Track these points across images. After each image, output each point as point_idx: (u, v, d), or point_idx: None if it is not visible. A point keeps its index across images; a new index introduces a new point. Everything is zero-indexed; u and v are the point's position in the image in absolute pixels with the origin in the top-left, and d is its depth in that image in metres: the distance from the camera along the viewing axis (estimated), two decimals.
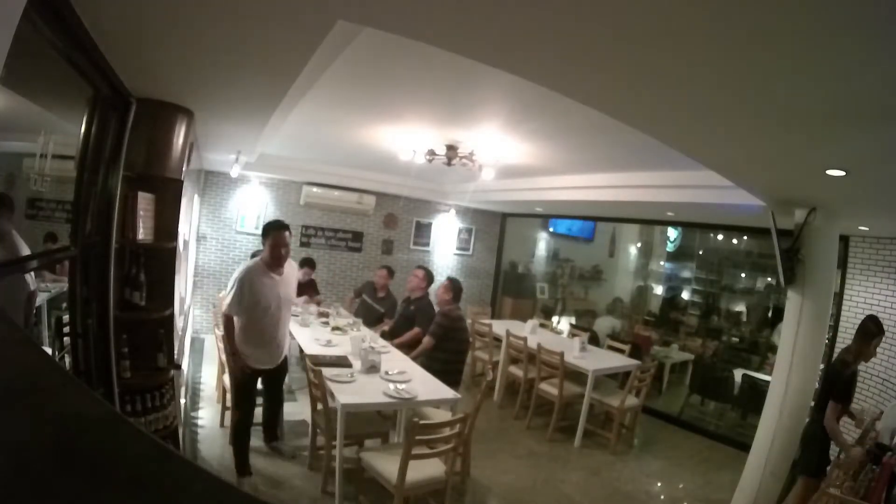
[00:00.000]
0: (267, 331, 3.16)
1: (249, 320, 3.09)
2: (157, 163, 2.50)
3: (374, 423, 3.40)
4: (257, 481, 3.17)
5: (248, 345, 3.13)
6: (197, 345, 5.95)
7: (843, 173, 2.20)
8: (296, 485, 3.18)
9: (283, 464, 3.42)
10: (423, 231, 7.73)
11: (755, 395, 4.78)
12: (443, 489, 2.81)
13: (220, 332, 4.02)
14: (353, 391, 3.08)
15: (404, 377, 3.38)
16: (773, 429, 3.11)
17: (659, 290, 7.86)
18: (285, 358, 3.41)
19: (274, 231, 3.18)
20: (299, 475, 3.30)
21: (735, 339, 6.49)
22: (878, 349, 3.19)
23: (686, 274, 7.63)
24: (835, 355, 3.41)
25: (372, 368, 3.45)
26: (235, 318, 3.09)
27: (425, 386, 3.31)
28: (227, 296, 3.12)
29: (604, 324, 6.92)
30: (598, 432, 4.47)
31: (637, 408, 4.59)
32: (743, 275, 6.91)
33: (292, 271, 3.45)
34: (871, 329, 3.01)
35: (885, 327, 3.20)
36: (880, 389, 3.84)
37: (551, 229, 8.82)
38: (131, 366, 2.32)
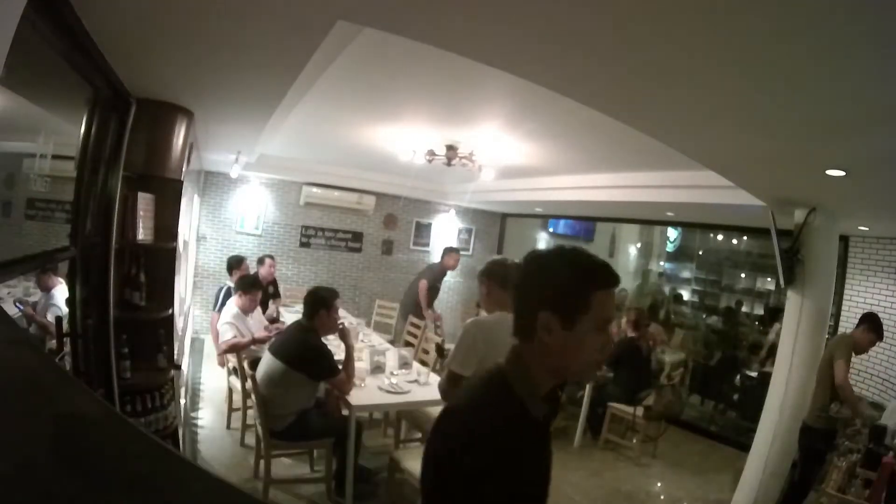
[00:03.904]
0: None
1: None
2: (157, 163, 2.50)
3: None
4: (258, 485, 3.16)
5: None
6: (197, 345, 5.95)
7: (843, 173, 2.20)
8: (299, 490, 3.17)
9: (285, 464, 3.42)
10: (423, 231, 7.73)
11: (755, 394, 4.77)
12: None
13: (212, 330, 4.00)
14: (362, 393, 3.07)
15: (409, 377, 3.38)
16: (773, 429, 3.11)
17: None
18: None
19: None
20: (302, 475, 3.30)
21: (735, 339, 6.48)
22: (878, 348, 3.21)
23: (686, 274, 7.63)
24: None
25: (377, 369, 3.45)
26: None
27: (429, 386, 3.29)
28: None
29: None
30: (600, 433, 4.47)
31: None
32: (743, 275, 6.90)
33: None
34: (879, 328, 3.09)
35: (885, 327, 3.22)
36: (880, 389, 3.84)
37: (551, 229, 8.82)
38: (131, 366, 2.31)
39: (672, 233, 7.62)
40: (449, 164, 4.04)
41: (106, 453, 0.45)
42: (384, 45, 2.02)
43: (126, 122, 2.21)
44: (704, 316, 7.00)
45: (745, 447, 3.45)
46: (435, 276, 5.89)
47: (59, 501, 0.37)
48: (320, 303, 2.95)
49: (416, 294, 5.69)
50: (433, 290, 5.84)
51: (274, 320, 4.54)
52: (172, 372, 2.62)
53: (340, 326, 3.07)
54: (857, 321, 3.30)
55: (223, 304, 4.19)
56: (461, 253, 8.07)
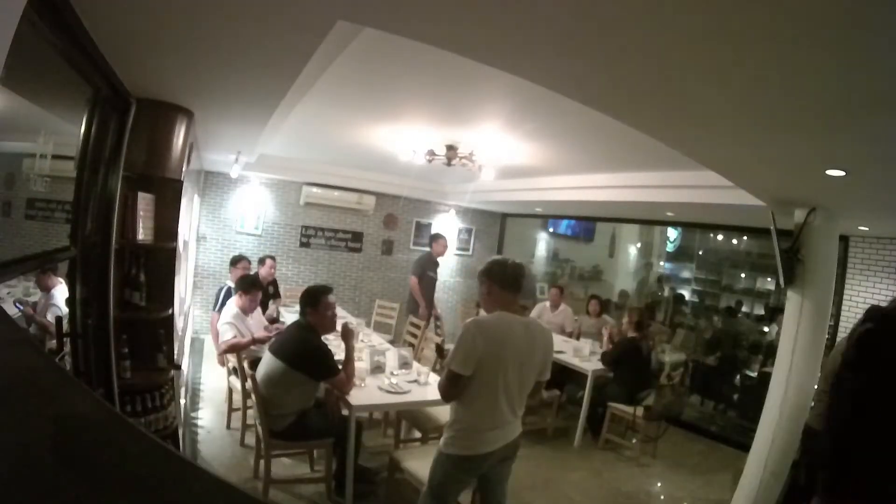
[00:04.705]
0: None
1: None
2: (157, 163, 2.50)
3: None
4: (258, 485, 3.17)
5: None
6: (197, 345, 5.95)
7: (843, 173, 2.19)
8: (300, 491, 3.17)
9: (285, 464, 3.42)
10: (423, 231, 7.73)
11: (755, 394, 4.77)
12: None
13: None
14: (362, 393, 3.07)
15: (409, 377, 3.38)
16: (773, 429, 3.10)
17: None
18: None
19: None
20: (302, 475, 3.30)
21: (735, 339, 6.49)
22: None
23: (686, 274, 7.64)
24: None
25: (377, 369, 3.45)
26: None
27: (429, 386, 3.29)
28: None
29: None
30: (600, 433, 4.47)
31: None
32: (743, 275, 6.91)
33: None
34: None
35: None
36: None
37: (551, 229, 8.82)
38: (131, 366, 2.32)
39: (672, 233, 7.63)
40: (449, 164, 4.05)
41: (106, 453, 0.45)
42: (384, 44, 2.02)
43: (126, 122, 2.21)
44: (704, 317, 7.01)
45: (745, 447, 3.44)
46: (423, 266, 5.81)
47: (59, 501, 0.37)
48: (309, 300, 2.96)
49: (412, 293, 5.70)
50: (426, 282, 5.78)
51: (274, 320, 4.54)
52: (172, 372, 2.62)
53: (343, 326, 3.07)
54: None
55: (223, 304, 4.19)
56: (462, 253, 8.11)
